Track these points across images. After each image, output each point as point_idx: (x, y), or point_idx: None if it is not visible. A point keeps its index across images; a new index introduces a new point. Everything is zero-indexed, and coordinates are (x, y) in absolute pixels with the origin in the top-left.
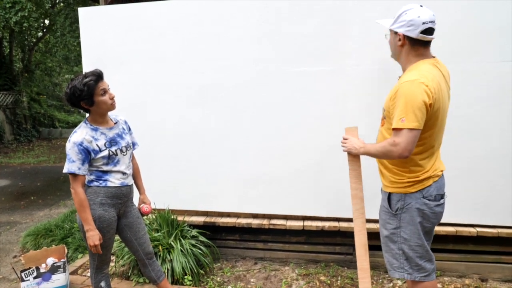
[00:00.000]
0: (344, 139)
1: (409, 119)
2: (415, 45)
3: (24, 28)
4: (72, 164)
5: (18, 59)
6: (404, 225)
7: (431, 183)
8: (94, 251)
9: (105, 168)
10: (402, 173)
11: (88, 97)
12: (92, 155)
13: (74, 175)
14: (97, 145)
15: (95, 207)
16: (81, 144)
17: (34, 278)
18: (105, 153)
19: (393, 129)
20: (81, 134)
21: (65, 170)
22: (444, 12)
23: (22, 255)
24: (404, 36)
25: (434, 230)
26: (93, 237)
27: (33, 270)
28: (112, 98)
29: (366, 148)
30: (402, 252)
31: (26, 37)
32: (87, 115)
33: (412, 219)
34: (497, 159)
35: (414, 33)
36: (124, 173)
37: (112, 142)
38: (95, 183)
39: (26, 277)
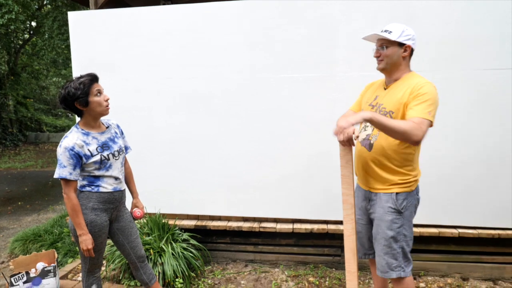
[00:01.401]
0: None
1: (433, 115)
2: (410, 57)
3: (10, 30)
4: (63, 170)
5: (3, 62)
6: (405, 222)
7: (419, 180)
8: (87, 255)
9: (97, 173)
10: (409, 172)
11: (83, 97)
12: (84, 160)
13: (66, 180)
14: (88, 150)
15: (87, 212)
16: (72, 149)
17: (24, 282)
18: (97, 158)
19: (419, 118)
20: (72, 139)
21: (56, 175)
22: (428, 21)
23: (11, 260)
24: (411, 48)
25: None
26: (86, 241)
27: (23, 275)
28: (106, 101)
29: (376, 116)
30: (402, 249)
31: (12, 39)
32: (78, 120)
33: (410, 215)
34: (478, 163)
35: (415, 46)
36: (116, 178)
37: (104, 146)
38: (87, 188)
39: (15, 282)
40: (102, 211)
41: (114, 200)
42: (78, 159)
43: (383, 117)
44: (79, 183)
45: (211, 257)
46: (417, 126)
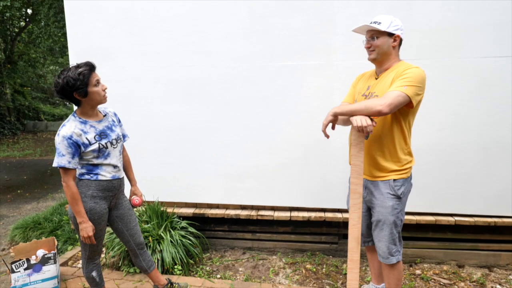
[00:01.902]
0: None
1: (409, 89)
2: (399, 46)
3: (5, 18)
4: (62, 158)
5: (0, 50)
6: (403, 208)
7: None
8: (88, 242)
9: (95, 161)
10: (405, 156)
11: (82, 87)
12: (82, 148)
13: (65, 169)
14: (86, 138)
15: (86, 199)
16: (70, 137)
17: (25, 269)
18: (95, 146)
19: (390, 91)
20: (70, 127)
21: (55, 164)
22: (427, 9)
23: (12, 248)
24: (400, 38)
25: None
26: (86, 228)
27: (24, 261)
28: (104, 90)
29: (340, 108)
30: (398, 233)
31: (8, 26)
32: (75, 108)
33: (406, 201)
34: (475, 151)
35: (403, 36)
36: (115, 166)
37: (102, 135)
38: (86, 176)
39: (16, 269)
40: (101, 198)
41: (113, 188)
42: (77, 148)
43: (344, 105)
44: (78, 171)
45: (209, 245)
46: (381, 98)
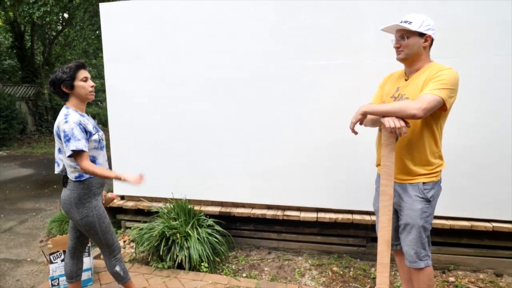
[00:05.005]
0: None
1: (443, 92)
2: (430, 46)
3: (45, 22)
4: (79, 142)
5: (39, 53)
6: (432, 212)
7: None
8: (141, 182)
9: (95, 152)
10: (435, 160)
11: (69, 80)
12: (87, 136)
13: (81, 152)
14: (88, 127)
15: (90, 199)
16: (80, 124)
17: (62, 261)
18: (96, 136)
19: (424, 95)
20: (76, 116)
21: (73, 148)
22: (451, 6)
23: (50, 240)
24: (432, 38)
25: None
26: (129, 174)
27: (61, 253)
28: (92, 87)
29: (371, 107)
30: (428, 238)
31: (47, 30)
32: (67, 104)
33: (435, 204)
34: None
35: (435, 36)
36: (106, 160)
37: (96, 127)
38: (86, 176)
39: (54, 260)
40: (98, 194)
41: (104, 184)
42: (86, 134)
43: (375, 105)
44: (77, 173)
45: (235, 243)
46: (415, 101)
